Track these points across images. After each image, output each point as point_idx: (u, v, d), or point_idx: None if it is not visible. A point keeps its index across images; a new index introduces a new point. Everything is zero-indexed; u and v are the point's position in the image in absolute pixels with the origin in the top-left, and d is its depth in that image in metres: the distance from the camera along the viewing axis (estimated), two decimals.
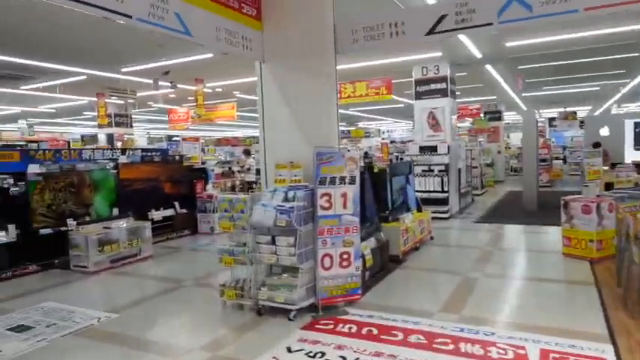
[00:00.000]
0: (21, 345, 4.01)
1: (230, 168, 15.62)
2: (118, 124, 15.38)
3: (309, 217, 4.50)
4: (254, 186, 13.59)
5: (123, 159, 8.31)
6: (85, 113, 18.05)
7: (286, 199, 4.53)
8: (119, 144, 16.59)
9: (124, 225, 7.07)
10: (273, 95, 4.94)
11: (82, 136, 20.93)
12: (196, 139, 10.56)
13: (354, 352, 3.60)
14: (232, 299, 4.69)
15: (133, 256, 7.03)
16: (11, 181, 6.50)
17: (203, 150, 12.34)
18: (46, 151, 7.42)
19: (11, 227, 6.33)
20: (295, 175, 4.64)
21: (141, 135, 24.31)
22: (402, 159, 9.53)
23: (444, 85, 10.36)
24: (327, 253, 4.55)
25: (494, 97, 17.43)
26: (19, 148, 11.21)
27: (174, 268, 6.80)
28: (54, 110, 16.82)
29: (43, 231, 6.74)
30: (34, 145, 13.40)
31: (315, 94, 4.80)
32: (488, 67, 11.59)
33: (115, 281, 6.13)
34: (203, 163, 10.40)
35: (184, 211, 9.25)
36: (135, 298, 5.30)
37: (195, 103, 12.46)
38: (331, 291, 4.57)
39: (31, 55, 8.90)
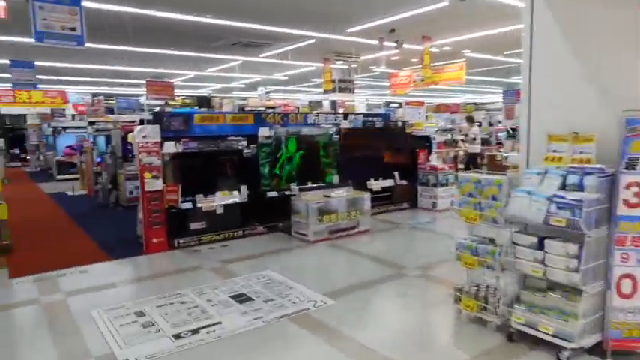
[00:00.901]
0: (239, 320, 3.76)
1: (452, 136, 14.22)
2: (341, 90, 15.48)
3: (602, 217, 3.00)
4: (479, 160, 11.98)
5: (345, 124, 7.88)
6: (312, 80, 18.94)
7: (564, 187, 3.11)
8: (340, 110, 16.85)
9: (345, 194, 6.61)
10: (551, 34, 3.46)
11: (309, 102, 22.26)
12: (421, 103, 9.50)
13: None
14: (471, 310, 3.59)
15: (351, 228, 6.56)
16: (245, 143, 6.65)
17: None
18: (275, 115, 7.45)
19: (243, 188, 6.50)
20: (581, 152, 3.15)
21: (360, 101, 24.69)
22: None
23: None
24: (628, 273, 2.99)
25: None
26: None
27: (394, 248, 6.04)
28: (286, 77, 18.09)
29: (269, 194, 6.79)
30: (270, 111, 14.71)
31: (622, 33, 3.14)
32: None
33: (332, 255, 5.71)
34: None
35: (404, 182, 8.44)
36: (352, 281, 4.70)
37: (419, 65, 11.38)
38: (630, 330, 3.02)
39: (270, 22, 9.16)
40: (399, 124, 8.73)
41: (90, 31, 6.52)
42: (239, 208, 6.57)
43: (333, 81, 14.56)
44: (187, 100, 19.05)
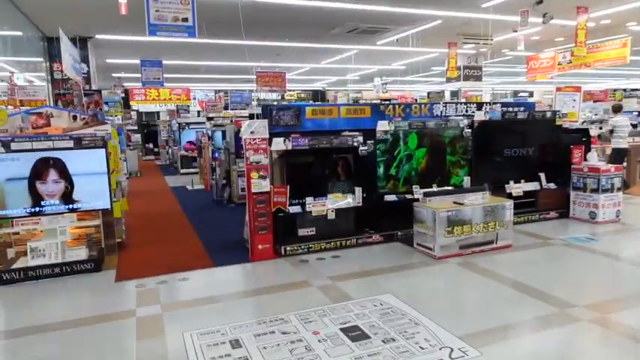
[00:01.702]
0: None
1: (603, 129, 11.86)
2: (466, 78, 13.92)
3: None
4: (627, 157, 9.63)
5: (479, 115, 6.61)
6: (432, 69, 17.51)
7: None
8: (462, 101, 15.19)
9: (480, 201, 5.43)
10: None
11: (428, 93, 20.74)
12: (577, 88, 7.77)
13: None
14: None
15: (487, 243, 5.36)
16: (361, 139, 5.81)
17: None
18: (396, 106, 6.48)
19: (358, 191, 5.68)
20: None
21: (485, 91, 22.42)
22: None
23: None
24: None
25: None
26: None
27: (547, 273, 4.72)
28: (404, 67, 16.92)
29: (387, 197, 5.88)
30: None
31: None
32: None
33: (465, 278, 4.61)
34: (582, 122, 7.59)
35: (552, 186, 6.91)
36: (497, 320, 3.59)
37: (565, 45, 9.48)
38: None
39: (393, 2, 8.19)
40: (548, 114, 7.16)
41: (205, 25, 6.21)
42: (353, 213, 5.77)
43: (458, 68, 13.07)
44: (302, 95, 18.89)
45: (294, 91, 20.90)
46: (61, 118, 5.35)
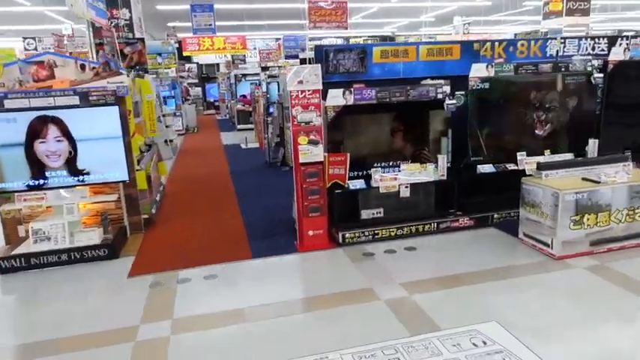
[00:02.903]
0: None
1: None
2: (569, 12, 11.41)
3: None
4: None
5: (616, 53, 4.77)
6: (525, 4, 14.82)
7: None
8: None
9: (623, 177, 3.79)
10: None
11: (515, 35, 17.98)
12: None
13: None
14: None
15: (630, 237, 3.77)
16: (447, 89, 4.30)
17: None
18: (495, 44, 4.80)
19: (442, 160, 4.24)
20: None
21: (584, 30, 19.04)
22: None
23: None
24: None
25: None
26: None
27: None
28: (489, 3, 14.42)
29: (482, 168, 4.39)
30: None
31: None
32: None
33: (608, 296, 3.11)
34: None
35: None
36: None
37: None
38: None
39: None
40: None
41: None
42: (434, 189, 4.37)
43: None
44: (369, 40, 16.99)
45: (359, 37, 18.97)
46: (66, 67, 4.33)
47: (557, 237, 3.58)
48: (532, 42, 4.91)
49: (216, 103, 20.18)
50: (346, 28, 7.52)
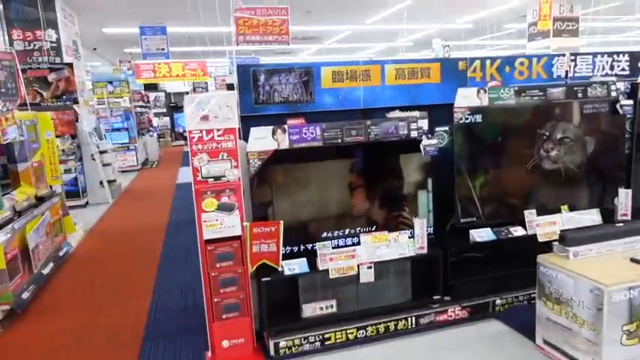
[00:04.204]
0: None
1: None
2: (557, 33, 10.50)
3: None
4: None
5: None
6: (506, 27, 14.01)
7: None
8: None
9: None
10: None
11: None
12: None
13: None
14: None
15: None
16: (424, 124, 3.06)
17: None
18: (487, 62, 3.59)
19: (420, 224, 2.93)
20: None
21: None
22: None
23: None
24: None
25: None
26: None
27: None
28: (470, 25, 13.56)
29: (476, 233, 3.09)
30: None
31: None
32: None
33: None
34: None
35: None
36: None
37: None
38: None
39: None
40: None
41: None
42: (410, 268, 3.04)
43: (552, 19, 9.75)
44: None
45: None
46: None
47: (603, 357, 2.26)
48: (534, 60, 3.71)
49: (185, 134, 18.84)
50: (288, 44, 6.32)
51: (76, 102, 7.54)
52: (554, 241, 2.80)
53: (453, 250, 3.05)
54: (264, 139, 2.76)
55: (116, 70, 11.83)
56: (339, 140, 2.89)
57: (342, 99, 3.27)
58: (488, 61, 3.59)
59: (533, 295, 2.92)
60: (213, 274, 2.62)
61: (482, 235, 3.11)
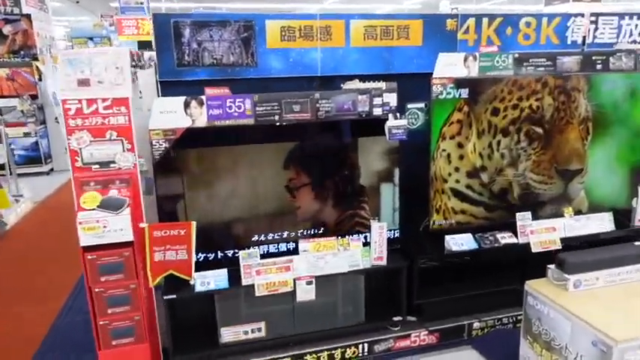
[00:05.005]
0: None
1: None
2: None
3: None
4: None
5: None
6: None
7: None
8: None
9: None
10: None
11: None
12: None
13: None
14: None
15: None
16: (392, 98, 2.35)
17: None
18: (484, 21, 2.83)
19: (377, 230, 2.28)
20: None
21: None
22: None
23: None
24: None
25: None
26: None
27: None
28: None
29: (452, 239, 2.44)
30: None
31: None
32: None
33: None
34: None
35: None
36: None
37: None
38: None
39: None
40: None
41: None
42: (364, 283, 2.40)
43: None
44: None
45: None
46: None
47: None
48: (544, 20, 2.94)
49: None
50: None
51: (35, 58, 6.81)
52: (556, 251, 2.16)
53: (422, 260, 2.40)
54: (173, 114, 2.08)
55: (97, 25, 11.00)
56: (277, 117, 2.21)
57: (293, 63, 2.57)
58: (485, 20, 2.84)
59: (520, 317, 2.30)
60: (97, 289, 2.00)
61: (460, 242, 2.46)
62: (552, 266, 1.93)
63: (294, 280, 2.19)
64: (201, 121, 2.12)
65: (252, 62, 2.52)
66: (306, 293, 2.22)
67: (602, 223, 2.63)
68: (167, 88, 2.43)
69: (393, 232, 2.41)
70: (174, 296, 2.09)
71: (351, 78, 2.56)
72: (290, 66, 2.56)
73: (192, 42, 2.44)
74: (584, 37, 3.01)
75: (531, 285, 1.93)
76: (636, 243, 2.01)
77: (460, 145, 2.44)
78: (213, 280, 2.15)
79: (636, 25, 3.08)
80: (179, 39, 2.41)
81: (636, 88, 2.68)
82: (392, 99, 2.35)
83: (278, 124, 2.21)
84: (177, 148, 2.09)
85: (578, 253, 1.93)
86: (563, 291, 1.86)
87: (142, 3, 9.10)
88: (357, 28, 2.63)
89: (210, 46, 2.47)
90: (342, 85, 2.42)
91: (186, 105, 2.10)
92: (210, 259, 2.20)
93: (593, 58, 2.65)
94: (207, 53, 2.47)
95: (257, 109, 2.18)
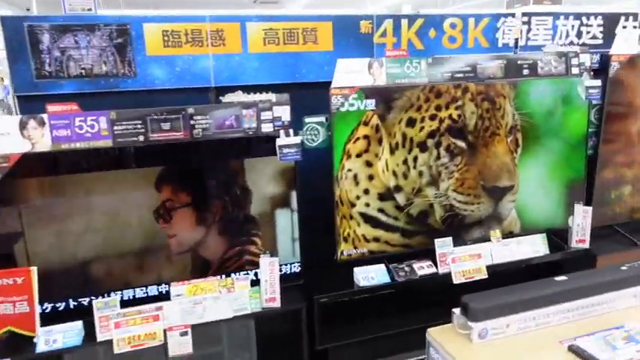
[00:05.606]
0: None
1: None
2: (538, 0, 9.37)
3: None
4: None
5: (619, 44, 2.57)
6: None
7: None
8: None
9: None
10: None
11: None
12: None
13: None
14: None
15: None
16: (285, 112, 2.02)
17: None
18: (403, 22, 2.53)
19: (267, 265, 1.94)
20: None
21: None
22: None
23: None
24: None
25: None
26: None
27: None
28: None
29: (361, 272, 2.11)
30: None
31: None
32: None
33: None
34: None
35: None
36: None
37: None
38: None
39: None
40: None
41: None
42: (255, 330, 2.05)
43: None
44: None
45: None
46: None
47: None
48: (471, 21, 2.66)
49: None
50: None
51: None
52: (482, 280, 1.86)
53: (324, 300, 2.07)
54: (6, 136, 1.72)
55: None
56: (142, 138, 1.86)
57: (181, 72, 2.24)
58: (404, 22, 2.54)
59: None
60: None
61: (370, 275, 2.14)
62: (457, 310, 1.62)
63: (165, 330, 1.83)
64: (44, 145, 1.75)
65: (129, 72, 2.18)
66: (180, 346, 1.86)
67: (535, 247, 2.35)
68: (26, 104, 2.07)
69: (291, 266, 2.08)
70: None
71: (253, 88, 2.24)
72: (177, 76, 2.23)
73: (53, 49, 2.09)
74: (516, 40, 2.75)
75: (433, 334, 1.61)
76: (557, 278, 1.72)
77: (369, 164, 2.13)
78: (62, 336, 1.78)
79: (572, 26, 2.84)
80: (36, 46, 2.05)
81: (569, 95, 2.41)
82: (284, 113, 2.02)
83: (144, 145, 1.86)
84: (12, 178, 1.72)
85: (486, 295, 1.62)
86: (467, 341, 1.54)
87: (90, 9, 8.60)
88: (255, 31, 2.31)
89: (77, 54, 2.12)
90: (223, 100, 2.08)
91: (23, 126, 1.73)
92: (61, 309, 1.83)
93: (519, 62, 2.37)
94: (72, 62, 2.12)
95: (115, 128, 1.82)
